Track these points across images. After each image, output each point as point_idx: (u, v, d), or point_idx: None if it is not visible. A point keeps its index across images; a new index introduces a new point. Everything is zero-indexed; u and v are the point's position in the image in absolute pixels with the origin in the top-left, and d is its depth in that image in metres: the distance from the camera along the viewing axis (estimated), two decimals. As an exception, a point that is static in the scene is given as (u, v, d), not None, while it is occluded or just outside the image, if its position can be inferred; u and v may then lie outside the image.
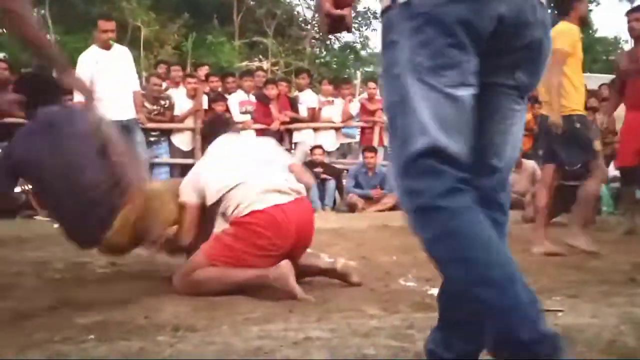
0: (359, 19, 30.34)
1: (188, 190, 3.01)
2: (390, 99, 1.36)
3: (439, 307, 1.53)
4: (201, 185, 2.97)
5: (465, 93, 1.30)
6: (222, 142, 3.19)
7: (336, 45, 31.14)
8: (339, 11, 1.43)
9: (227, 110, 7.76)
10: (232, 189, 2.88)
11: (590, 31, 33.18)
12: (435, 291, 2.82)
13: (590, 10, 34.56)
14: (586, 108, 8.54)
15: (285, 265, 2.70)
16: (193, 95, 7.75)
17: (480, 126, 1.38)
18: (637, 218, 5.11)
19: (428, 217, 1.30)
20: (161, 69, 8.50)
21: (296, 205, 2.91)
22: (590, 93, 9.76)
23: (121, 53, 6.48)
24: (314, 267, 3.04)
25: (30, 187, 6.72)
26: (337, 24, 1.45)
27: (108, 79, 5.97)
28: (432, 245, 1.32)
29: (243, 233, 2.81)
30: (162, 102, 7.63)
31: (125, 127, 5.76)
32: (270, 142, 3.32)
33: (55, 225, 3.54)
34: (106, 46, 6.23)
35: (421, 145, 1.27)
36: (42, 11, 22.84)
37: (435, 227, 1.29)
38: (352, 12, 1.40)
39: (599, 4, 33.45)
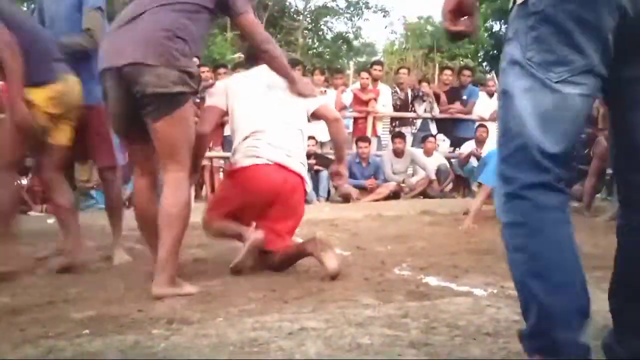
0: (351, 8, 30.26)
1: (219, 96, 3.21)
2: (500, 90, 1.44)
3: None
4: (229, 108, 3.18)
5: (573, 91, 1.34)
6: (260, 76, 3.21)
7: (329, 36, 31.04)
8: (455, 28, 1.55)
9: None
10: (246, 137, 3.10)
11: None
12: (429, 280, 2.84)
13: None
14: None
15: (254, 232, 3.05)
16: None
17: (631, 123, 1.43)
18: None
19: (511, 204, 1.39)
20: None
21: (276, 171, 3.06)
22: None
23: None
24: (294, 248, 3.11)
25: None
26: (458, 34, 1.57)
27: None
28: (506, 230, 1.41)
29: (231, 184, 3.23)
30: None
31: None
32: (299, 104, 3.22)
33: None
34: None
35: (518, 141, 1.36)
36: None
37: (514, 215, 1.39)
38: (473, 18, 1.55)
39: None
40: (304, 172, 3.20)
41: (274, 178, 3.07)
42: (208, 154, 7.80)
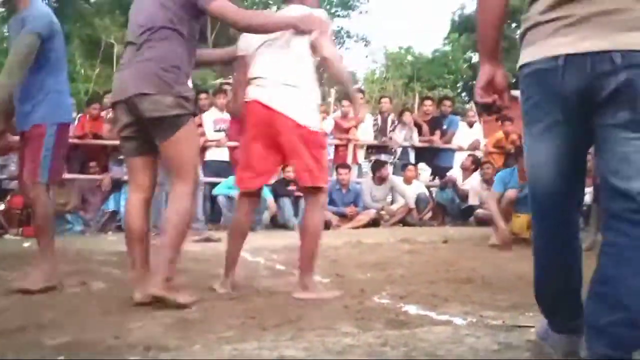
0: (333, 37, 30.54)
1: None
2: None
3: None
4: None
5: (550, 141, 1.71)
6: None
7: (310, 64, 31.23)
8: (484, 100, 1.86)
9: (201, 125, 7.74)
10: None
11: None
12: (409, 308, 2.83)
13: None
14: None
15: None
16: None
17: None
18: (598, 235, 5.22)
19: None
20: None
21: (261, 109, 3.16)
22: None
23: None
24: None
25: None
26: (488, 106, 1.85)
27: None
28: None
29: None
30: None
31: None
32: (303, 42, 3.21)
33: (26, 244, 3.48)
34: None
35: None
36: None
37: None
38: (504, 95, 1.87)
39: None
40: (293, 109, 3.14)
41: (258, 113, 3.19)
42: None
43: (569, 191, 1.77)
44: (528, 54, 1.69)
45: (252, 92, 3.22)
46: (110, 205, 7.47)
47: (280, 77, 3.16)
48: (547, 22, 1.64)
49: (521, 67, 1.73)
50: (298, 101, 3.16)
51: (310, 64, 3.24)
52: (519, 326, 2.43)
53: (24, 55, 3.27)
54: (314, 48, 3.20)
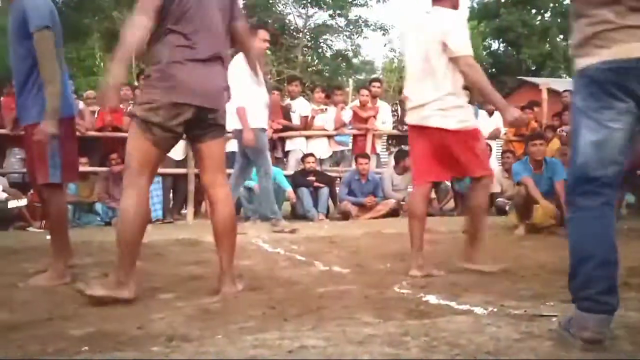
0: (351, 26, 30.43)
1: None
2: (571, 129, 2.19)
3: None
4: None
5: (616, 126, 2.02)
6: None
7: (328, 54, 31.20)
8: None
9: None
10: None
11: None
12: (429, 298, 2.83)
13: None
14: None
15: None
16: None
17: None
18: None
19: (570, 224, 2.15)
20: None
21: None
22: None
23: None
24: None
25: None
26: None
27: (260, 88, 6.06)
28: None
29: None
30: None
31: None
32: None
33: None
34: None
35: (579, 172, 2.08)
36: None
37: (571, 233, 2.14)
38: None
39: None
40: (444, 121, 3.50)
41: (421, 134, 3.61)
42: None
43: (621, 168, 2.07)
44: (609, 54, 2.02)
45: (410, 117, 3.66)
46: None
47: (427, 97, 3.51)
48: (622, 28, 1.99)
49: (595, 63, 2.04)
50: (445, 111, 3.47)
51: (445, 67, 3.47)
52: (541, 315, 2.41)
53: (48, 54, 3.27)
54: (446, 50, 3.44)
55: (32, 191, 6.89)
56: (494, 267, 3.56)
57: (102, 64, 21.51)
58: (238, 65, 5.67)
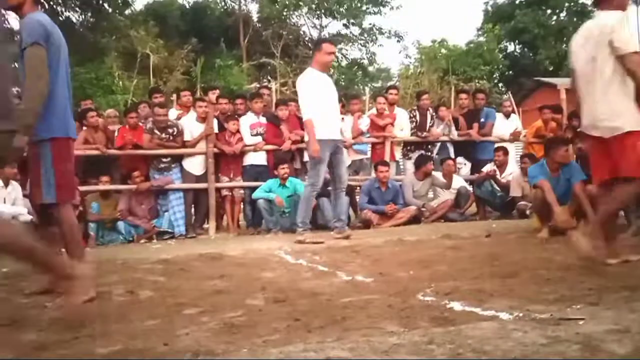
0: (365, 35, 30.48)
1: None
2: None
3: None
4: None
5: None
6: None
7: (344, 63, 31.26)
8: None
9: (239, 130, 7.85)
10: None
11: None
12: (454, 305, 2.81)
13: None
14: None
15: None
16: (204, 118, 7.80)
17: None
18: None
19: None
20: (156, 98, 8.50)
21: None
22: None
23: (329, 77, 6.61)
24: None
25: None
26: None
27: (330, 99, 6.27)
28: None
29: None
30: (170, 130, 7.70)
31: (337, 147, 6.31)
32: None
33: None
34: (328, 69, 6.41)
35: None
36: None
37: None
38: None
39: None
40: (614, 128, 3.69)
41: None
42: (229, 184, 7.86)
43: None
44: None
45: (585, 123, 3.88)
46: (164, 224, 7.62)
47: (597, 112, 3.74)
48: None
49: None
50: (612, 117, 3.66)
51: (612, 69, 3.63)
52: (568, 319, 2.38)
53: (33, 71, 3.29)
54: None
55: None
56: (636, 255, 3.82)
57: (120, 83, 21.78)
58: (306, 77, 5.77)
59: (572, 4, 31.28)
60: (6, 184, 6.57)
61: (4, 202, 6.51)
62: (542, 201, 5.73)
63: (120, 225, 7.42)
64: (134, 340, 2.43)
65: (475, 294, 3.04)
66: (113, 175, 7.71)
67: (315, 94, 6.01)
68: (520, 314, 2.56)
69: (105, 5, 23.73)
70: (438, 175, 8.25)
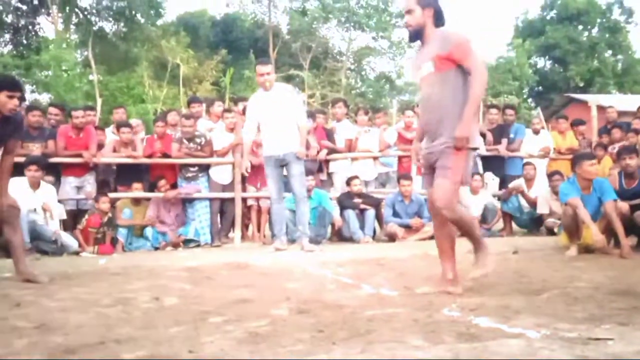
0: (394, 48, 30.49)
1: None
2: None
3: None
4: None
5: None
6: None
7: (371, 76, 31.32)
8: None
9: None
10: None
11: (630, 52, 32.75)
12: (480, 321, 2.78)
13: (628, 31, 34.24)
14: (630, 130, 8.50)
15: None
16: (232, 129, 7.87)
17: None
18: None
19: None
20: (193, 107, 8.71)
21: None
22: (632, 115, 9.71)
23: (281, 92, 6.67)
24: None
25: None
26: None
27: (270, 117, 6.48)
28: None
29: None
30: (198, 140, 7.78)
31: (283, 161, 6.49)
32: None
33: (102, 262, 3.61)
34: (266, 87, 6.53)
35: None
36: (85, 52, 23.63)
37: None
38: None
39: (637, 24, 33.07)
40: None
41: None
42: (255, 194, 7.90)
43: None
44: None
45: None
46: (190, 233, 7.68)
47: None
48: None
49: None
50: None
51: None
52: (597, 339, 2.34)
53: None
54: None
55: (87, 217, 7.11)
56: None
57: (150, 92, 22.08)
58: (250, 99, 5.95)
59: (604, 20, 30.99)
60: (35, 188, 6.70)
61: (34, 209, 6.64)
62: (572, 218, 5.65)
63: (148, 231, 7.51)
64: (159, 346, 2.45)
65: (501, 311, 3.01)
66: (143, 183, 7.82)
67: (253, 114, 6.54)
68: (548, 332, 2.52)
69: (138, 15, 24.14)
70: (464, 190, 8.19)
